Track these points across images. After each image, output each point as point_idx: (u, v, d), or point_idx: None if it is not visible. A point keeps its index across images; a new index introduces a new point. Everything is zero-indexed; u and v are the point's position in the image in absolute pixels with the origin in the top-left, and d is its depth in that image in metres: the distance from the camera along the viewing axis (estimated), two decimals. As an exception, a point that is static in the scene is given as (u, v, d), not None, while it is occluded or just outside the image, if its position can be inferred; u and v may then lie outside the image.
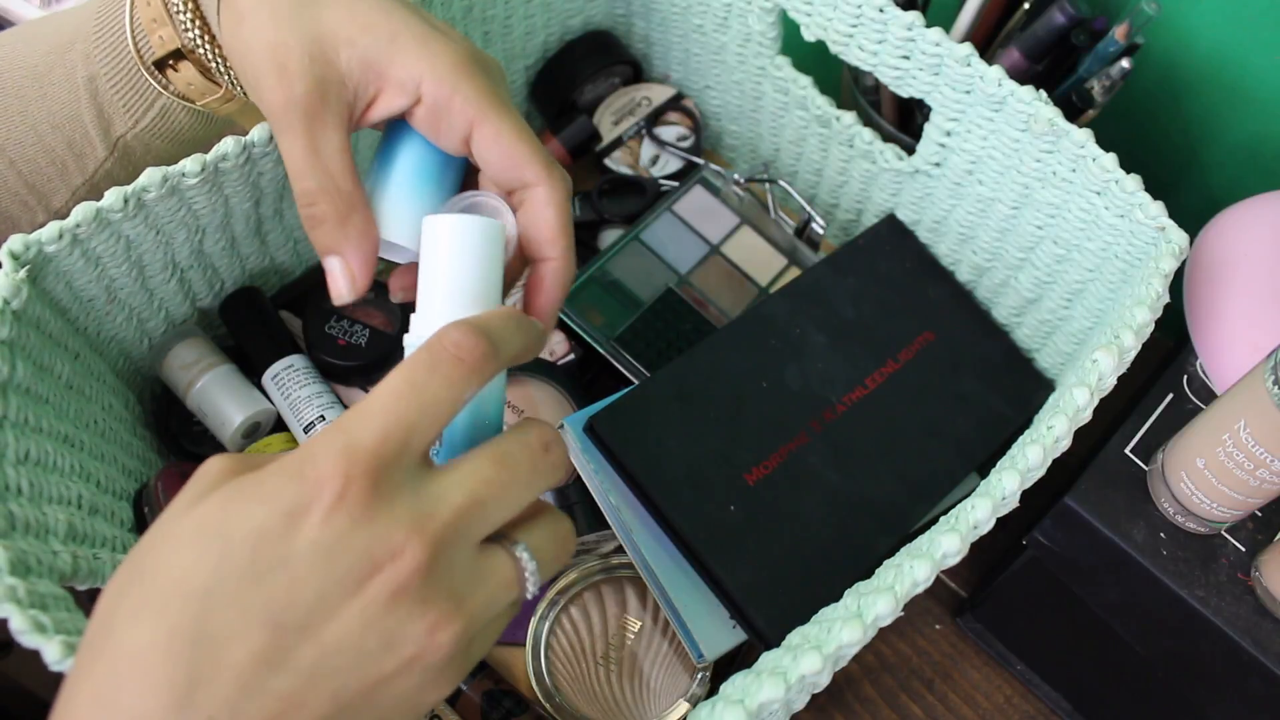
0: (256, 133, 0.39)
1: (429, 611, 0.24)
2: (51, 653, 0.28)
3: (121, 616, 0.23)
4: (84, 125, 0.40)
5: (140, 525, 0.40)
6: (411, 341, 0.32)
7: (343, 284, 0.34)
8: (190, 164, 0.38)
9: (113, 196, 0.37)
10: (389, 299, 0.51)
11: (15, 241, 0.36)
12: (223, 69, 0.39)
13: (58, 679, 0.47)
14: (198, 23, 0.38)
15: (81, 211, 0.37)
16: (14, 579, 0.29)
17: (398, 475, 0.24)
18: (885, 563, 0.36)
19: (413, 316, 0.32)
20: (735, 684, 0.32)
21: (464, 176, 0.38)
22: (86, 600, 0.31)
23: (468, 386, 0.26)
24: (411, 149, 0.36)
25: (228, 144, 0.39)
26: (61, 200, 0.42)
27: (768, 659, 0.34)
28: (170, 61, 0.39)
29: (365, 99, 0.34)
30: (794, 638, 0.35)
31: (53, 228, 0.36)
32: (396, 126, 0.36)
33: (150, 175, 0.38)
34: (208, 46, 0.38)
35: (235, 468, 0.25)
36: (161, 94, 0.40)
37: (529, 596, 0.27)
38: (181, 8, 0.37)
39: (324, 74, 0.33)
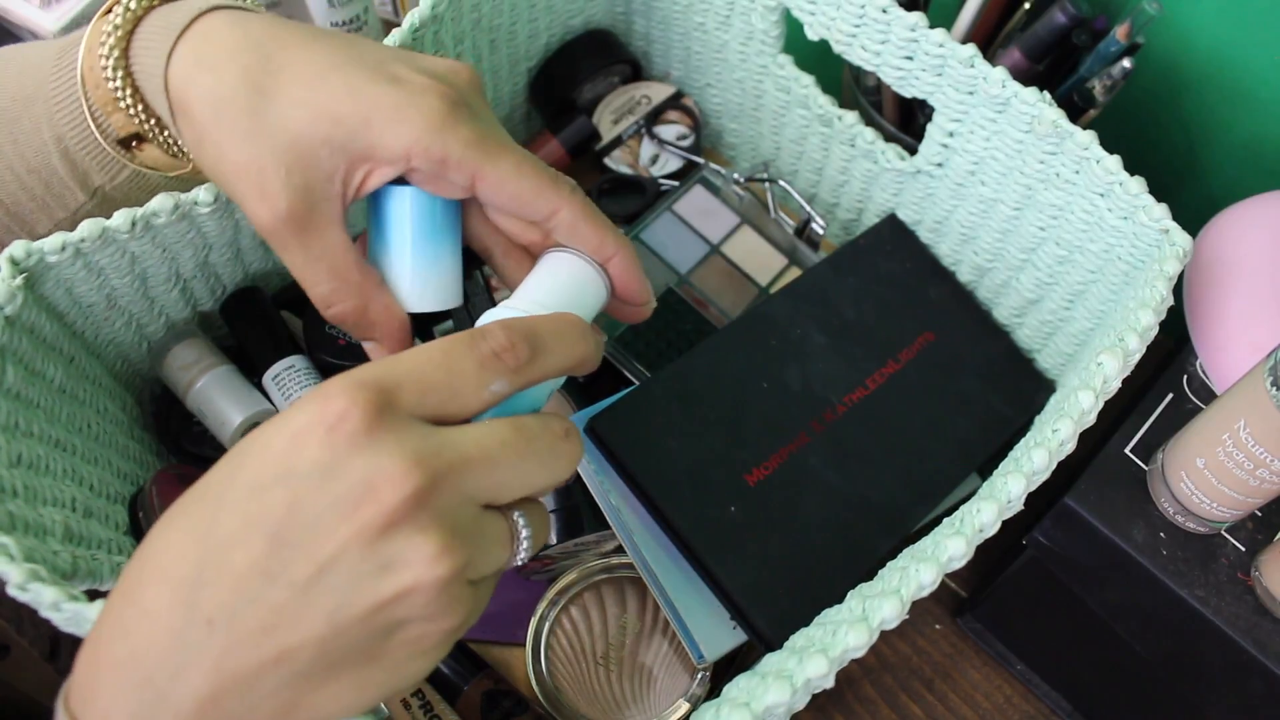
0: None
1: (428, 541, 0.24)
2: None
3: (164, 521, 0.25)
4: (60, 175, 0.39)
5: (135, 529, 0.40)
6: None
7: None
8: (203, 194, 0.38)
9: (121, 218, 0.37)
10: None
11: (18, 248, 0.35)
12: (184, 153, 0.38)
13: (52, 681, 0.46)
14: (151, 119, 0.37)
15: (88, 227, 0.36)
16: (30, 563, 0.29)
17: (404, 417, 0.25)
18: (890, 565, 0.36)
19: (504, 305, 0.33)
20: (739, 686, 0.32)
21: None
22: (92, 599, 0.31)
23: (495, 381, 0.27)
24: (405, 211, 0.35)
25: None
26: (45, 229, 0.41)
27: (772, 661, 0.34)
28: (133, 142, 0.38)
29: (355, 184, 0.33)
30: (798, 640, 0.35)
31: (56, 239, 0.36)
32: (384, 189, 0.35)
33: (162, 201, 0.37)
34: (164, 137, 0.37)
35: None
36: (129, 164, 0.39)
37: (519, 563, 0.28)
38: (130, 104, 0.36)
39: (306, 181, 0.32)
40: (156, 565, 0.24)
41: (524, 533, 0.27)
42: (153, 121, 0.37)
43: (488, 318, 0.33)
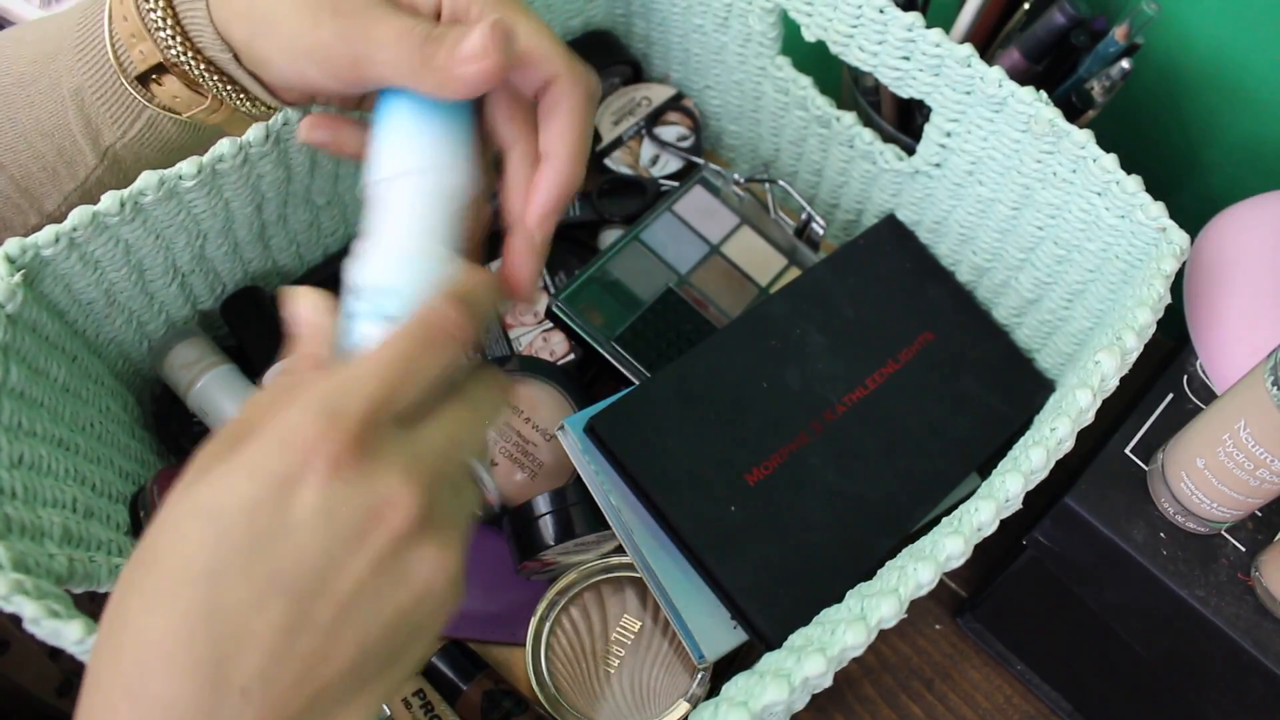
0: (253, 133, 0.39)
1: (431, 544, 0.25)
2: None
3: (135, 608, 0.24)
4: (73, 134, 0.40)
5: (136, 528, 0.40)
6: (364, 279, 0.30)
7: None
8: (187, 166, 0.38)
9: (109, 200, 0.37)
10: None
11: (11, 245, 0.36)
12: (208, 80, 0.38)
13: (53, 677, 0.47)
14: (179, 38, 0.37)
15: (78, 215, 0.37)
16: (18, 574, 0.29)
17: (384, 433, 0.25)
18: (888, 564, 0.36)
19: (364, 256, 0.30)
20: (738, 685, 0.32)
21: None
22: (88, 602, 0.31)
23: (455, 360, 0.27)
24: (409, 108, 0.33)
25: (224, 145, 0.39)
26: (54, 204, 0.41)
27: (770, 660, 0.34)
28: (153, 76, 0.38)
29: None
30: (797, 639, 0.35)
31: (49, 232, 0.36)
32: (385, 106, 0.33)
33: (147, 179, 0.38)
34: (191, 60, 0.38)
35: (221, 449, 0.25)
36: (147, 106, 0.39)
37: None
38: (161, 24, 0.37)
39: None
40: (158, 654, 0.23)
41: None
42: (180, 42, 0.37)
43: (359, 294, 0.29)
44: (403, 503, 0.24)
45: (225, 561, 0.23)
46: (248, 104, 0.39)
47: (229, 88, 0.38)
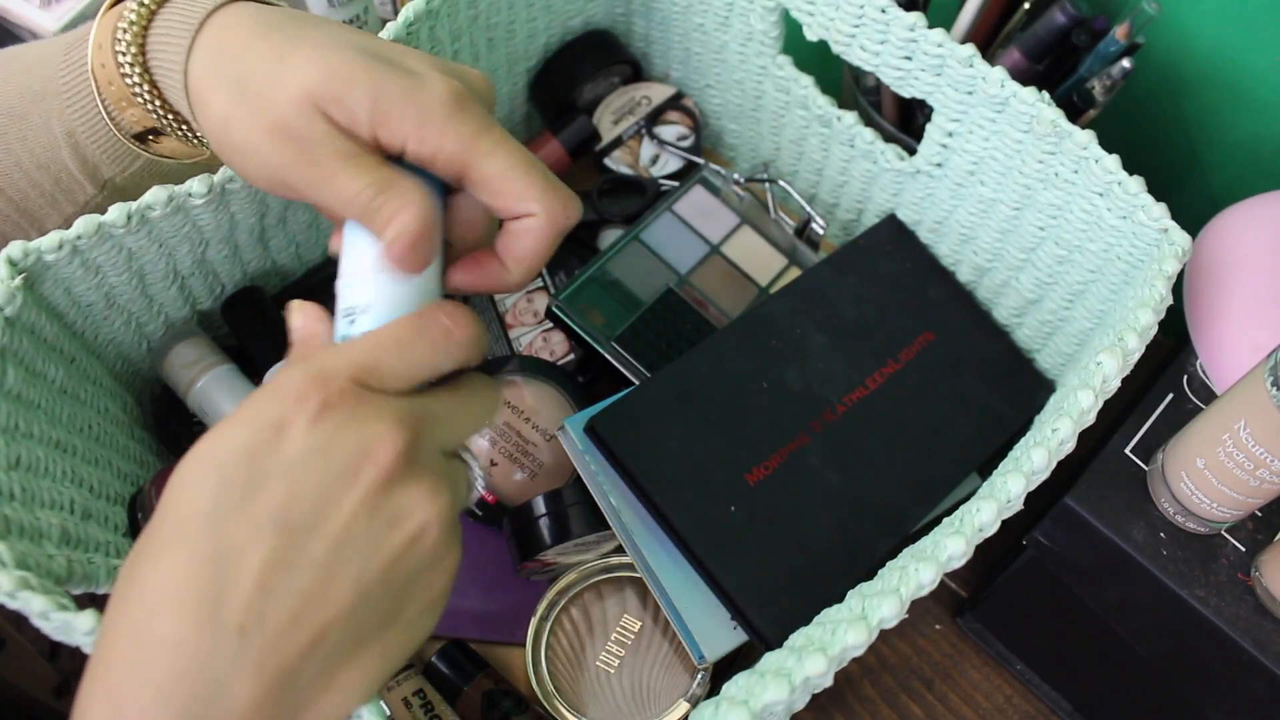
0: None
1: (421, 483, 0.26)
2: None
3: (144, 557, 0.25)
4: (69, 169, 0.39)
5: (134, 530, 0.40)
6: (343, 300, 0.31)
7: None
8: (198, 185, 0.38)
9: (116, 212, 0.37)
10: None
11: (14, 248, 0.36)
12: (204, 144, 0.38)
13: (50, 678, 0.47)
14: (169, 115, 0.37)
15: (83, 224, 0.37)
16: (22, 570, 0.29)
17: (374, 394, 0.26)
18: (889, 564, 0.36)
19: (341, 278, 0.31)
20: (738, 684, 0.32)
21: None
22: (87, 603, 0.31)
23: (447, 359, 0.28)
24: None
25: None
26: (54, 224, 0.41)
27: (771, 659, 0.34)
28: (149, 136, 0.38)
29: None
30: (797, 639, 0.35)
31: (53, 237, 0.36)
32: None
33: (156, 194, 0.38)
34: (184, 130, 0.37)
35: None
36: (144, 154, 0.39)
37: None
38: (148, 99, 0.36)
39: (326, 124, 0.31)
40: (163, 596, 0.23)
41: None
42: (171, 116, 0.37)
43: (345, 317, 0.30)
44: (392, 440, 0.25)
45: (225, 502, 0.24)
46: None
47: None
